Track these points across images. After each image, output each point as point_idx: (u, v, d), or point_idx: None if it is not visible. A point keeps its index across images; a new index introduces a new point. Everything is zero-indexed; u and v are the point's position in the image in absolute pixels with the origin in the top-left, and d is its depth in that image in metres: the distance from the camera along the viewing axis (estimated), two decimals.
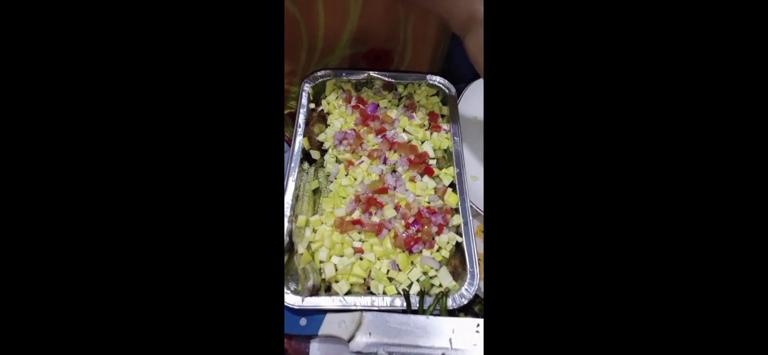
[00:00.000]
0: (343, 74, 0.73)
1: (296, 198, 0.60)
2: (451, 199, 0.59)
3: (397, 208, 0.58)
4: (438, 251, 0.56)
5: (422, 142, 0.66)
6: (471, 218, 0.57)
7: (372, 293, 0.53)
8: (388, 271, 0.54)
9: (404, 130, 0.67)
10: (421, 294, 0.51)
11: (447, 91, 0.71)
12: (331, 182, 0.62)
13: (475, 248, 0.54)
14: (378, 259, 0.54)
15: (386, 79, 0.72)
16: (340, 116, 0.69)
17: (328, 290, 0.54)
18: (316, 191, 0.62)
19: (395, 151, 0.64)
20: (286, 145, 0.72)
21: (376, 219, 0.57)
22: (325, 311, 0.50)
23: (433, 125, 0.68)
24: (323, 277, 0.54)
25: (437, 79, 0.72)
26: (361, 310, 0.49)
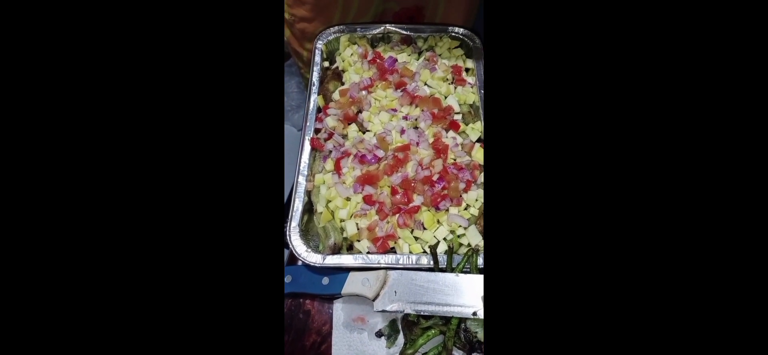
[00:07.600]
0: (358, 29, 0.68)
1: (313, 158, 0.56)
2: (479, 155, 0.55)
3: (420, 164, 0.54)
4: (466, 208, 0.53)
5: (446, 97, 0.61)
6: None
7: (396, 252, 0.49)
8: (413, 230, 0.50)
9: (426, 84, 0.63)
10: (449, 252, 0.48)
11: (471, 43, 0.66)
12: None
13: None
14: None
15: (403, 32, 0.68)
16: (357, 72, 0.65)
17: (350, 249, 0.50)
18: None
19: (417, 106, 0.60)
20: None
21: (398, 177, 0.53)
22: (347, 270, 0.46)
23: (457, 79, 0.63)
24: (345, 235, 0.51)
25: (460, 31, 0.67)
26: (386, 268, 0.46)
